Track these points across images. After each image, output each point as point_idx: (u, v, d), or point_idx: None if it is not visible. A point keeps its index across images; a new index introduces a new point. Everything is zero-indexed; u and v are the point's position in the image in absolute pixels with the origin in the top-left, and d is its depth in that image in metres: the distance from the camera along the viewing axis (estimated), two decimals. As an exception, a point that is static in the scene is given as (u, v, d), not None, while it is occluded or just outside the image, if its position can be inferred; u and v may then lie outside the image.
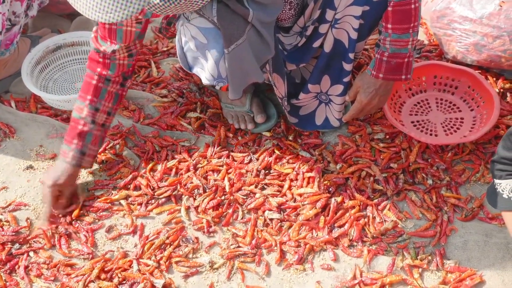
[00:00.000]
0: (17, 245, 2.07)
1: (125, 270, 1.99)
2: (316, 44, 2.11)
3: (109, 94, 2.12)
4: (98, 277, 1.97)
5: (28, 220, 2.13)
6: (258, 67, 2.02)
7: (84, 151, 2.11)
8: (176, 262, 2.01)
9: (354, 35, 2.04)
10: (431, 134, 2.30)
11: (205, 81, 2.06)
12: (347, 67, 2.12)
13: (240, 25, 1.90)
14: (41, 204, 2.18)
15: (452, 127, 2.32)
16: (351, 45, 2.07)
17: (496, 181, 1.66)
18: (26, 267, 2.02)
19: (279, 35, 2.15)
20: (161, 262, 2.01)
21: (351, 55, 2.09)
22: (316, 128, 2.32)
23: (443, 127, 2.32)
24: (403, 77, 2.06)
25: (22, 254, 2.05)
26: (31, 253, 2.06)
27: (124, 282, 1.96)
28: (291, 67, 2.23)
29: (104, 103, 2.12)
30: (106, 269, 1.99)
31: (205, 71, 2.03)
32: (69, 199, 2.14)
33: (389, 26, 1.96)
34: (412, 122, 2.35)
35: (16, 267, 2.02)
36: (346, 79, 2.16)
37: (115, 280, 1.96)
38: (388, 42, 1.99)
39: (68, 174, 2.10)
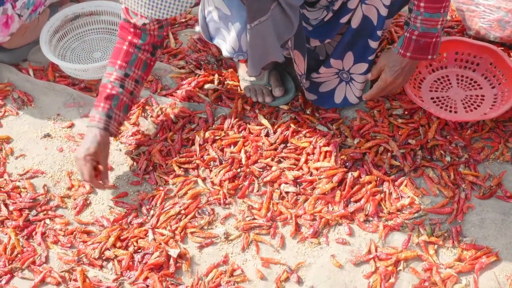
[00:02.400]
0: (34, 212, 2.09)
1: (140, 238, 2.00)
2: (344, 19, 2.07)
3: (139, 61, 2.11)
4: (114, 245, 1.99)
5: (45, 187, 2.15)
6: (279, 46, 2.00)
7: (110, 114, 2.07)
8: (191, 233, 2.02)
9: (384, 12, 2.01)
10: (450, 111, 2.27)
11: (225, 53, 2.04)
12: (373, 44, 2.10)
13: (266, 1, 1.87)
14: (60, 172, 2.20)
15: (472, 104, 2.29)
16: (380, 22, 2.03)
17: None
18: (43, 234, 2.04)
19: (304, 10, 2.11)
20: (176, 232, 2.02)
21: (379, 33, 2.06)
22: (334, 106, 2.30)
23: (463, 104, 2.29)
24: (429, 57, 2.05)
25: (39, 220, 2.07)
26: (48, 220, 2.08)
27: (139, 250, 1.98)
28: (315, 43, 2.20)
29: (134, 70, 2.10)
30: (122, 237, 2.01)
31: (226, 43, 2.01)
32: (106, 166, 2.09)
33: (422, 4, 1.93)
34: (432, 98, 2.32)
35: (33, 233, 2.05)
36: (371, 57, 2.13)
37: (131, 249, 1.98)
38: (419, 21, 1.96)
39: (97, 140, 2.04)
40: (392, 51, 2.09)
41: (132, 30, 2.07)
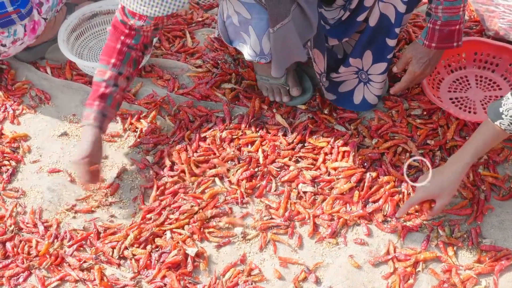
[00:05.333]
0: (52, 210, 2.10)
1: (158, 237, 2.00)
2: (361, 18, 2.06)
3: (131, 59, 2.06)
4: (132, 244, 1.98)
5: (63, 185, 2.16)
6: (302, 46, 2.00)
7: (105, 113, 2.05)
8: (209, 232, 2.02)
9: (402, 9, 2.00)
10: (469, 112, 2.26)
11: (247, 56, 2.04)
12: (391, 43, 2.08)
13: (286, 3, 1.87)
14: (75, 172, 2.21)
15: (491, 105, 2.27)
16: (398, 19, 2.02)
17: None
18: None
19: (322, 9, 2.11)
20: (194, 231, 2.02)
21: (397, 30, 2.05)
22: (353, 107, 2.28)
23: (482, 104, 2.28)
24: (455, 44, 2.04)
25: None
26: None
27: (157, 249, 1.98)
28: (333, 42, 2.19)
29: (126, 68, 2.06)
30: (140, 236, 2.00)
31: (247, 47, 2.01)
32: (101, 166, 2.09)
33: None
34: (451, 99, 2.30)
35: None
36: (389, 56, 2.12)
37: (148, 247, 1.97)
38: (440, 10, 1.95)
39: (93, 140, 2.03)
40: (417, 43, 2.07)
41: (126, 31, 2.02)
